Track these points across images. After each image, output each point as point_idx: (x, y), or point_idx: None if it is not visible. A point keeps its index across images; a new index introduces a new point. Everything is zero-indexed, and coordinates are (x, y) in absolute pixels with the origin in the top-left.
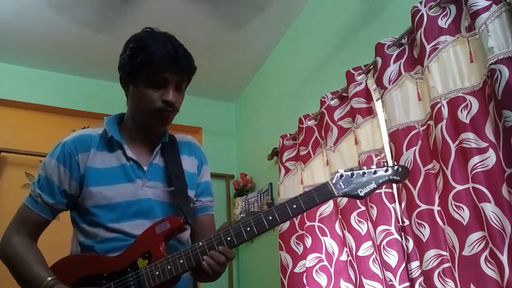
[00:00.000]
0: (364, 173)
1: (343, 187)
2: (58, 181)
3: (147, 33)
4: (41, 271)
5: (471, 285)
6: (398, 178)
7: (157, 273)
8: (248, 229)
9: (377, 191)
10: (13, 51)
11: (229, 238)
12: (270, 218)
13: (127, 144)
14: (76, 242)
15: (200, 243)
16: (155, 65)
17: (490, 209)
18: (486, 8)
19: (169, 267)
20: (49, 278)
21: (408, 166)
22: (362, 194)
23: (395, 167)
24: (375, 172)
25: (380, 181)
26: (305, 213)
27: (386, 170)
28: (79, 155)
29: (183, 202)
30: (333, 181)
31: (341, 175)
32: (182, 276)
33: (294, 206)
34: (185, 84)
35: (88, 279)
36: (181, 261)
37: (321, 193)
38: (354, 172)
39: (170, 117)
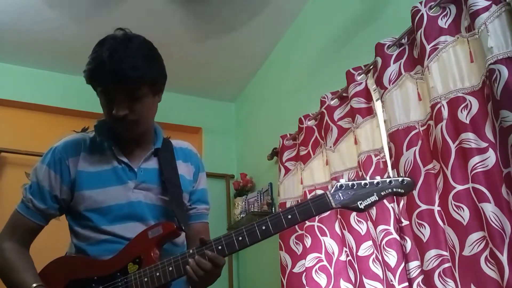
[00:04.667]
0: (365, 184)
1: (342, 198)
2: (49, 186)
3: (102, 40)
4: (28, 277)
5: (472, 285)
6: (402, 190)
7: (145, 279)
8: (240, 238)
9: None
10: (13, 51)
11: (220, 247)
12: (263, 228)
13: (118, 147)
14: (71, 244)
15: (191, 251)
16: (96, 81)
17: (489, 209)
18: (486, 8)
19: (157, 274)
20: (35, 285)
21: (408, 166)
22: (361, 206)
23: (400, 179)
24: (377, 184)
25: (382, 193)
26: None
27: (390, 182)
28: (69, 159)
29: (177, 208)
30: (332, 192)
31: (341, 186)
32: (178, 280)
33: (289, 216)
34: (141, 91)
35: (78, 282)
36: (170, 268)
37: (318, 204)
38: (355, 182)
39: (130, 128)
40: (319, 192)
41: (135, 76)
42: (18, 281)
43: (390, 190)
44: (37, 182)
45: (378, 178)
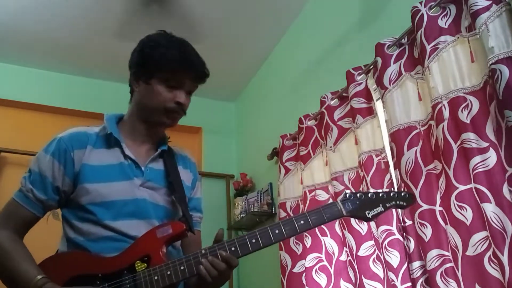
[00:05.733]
0: (372, 195)
1: (351, 207)
2: (52, 177)
3: (167, 35)
4: (30, 269)
5: (476, 285)
6: (405, 204)
7: (155, 278)
8: (254, 241)
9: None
10: (13, 51)
11: (233, 248)
12: (277, 231)
13: (126, 143)
14: (64, 240)
15: (203, 251)
16: (177, 66)
17: (490, 209)
18: (486, 8)
19: (168, 272)
20: (39, 277)
21: (409, 166)
22: (369, 216)
23: (402, 193)
24: (382, 196)
25: (387, 205)
26: None
27: (394, 195)
28: (74, 151)
29: (185, 209)
30: (342, 201)
31: (350, 196)
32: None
33: (302, 222)
34: (195, 89)
35: (81, 278)
36: (182, 267)
37: (329, 212)
38: (363, 193)
39: (177, 119)
40: (319, 192)
41: (206, 75)
42: (19, 271)
43: (394, 203)
44: (39, 172)
45: (382, 191)
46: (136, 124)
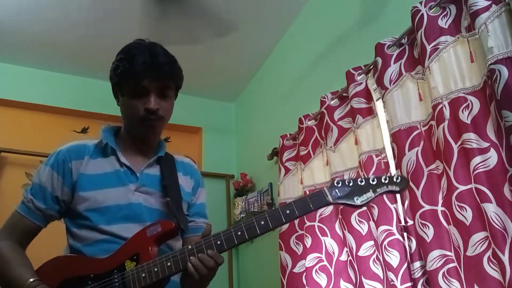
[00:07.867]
0: (362, 181)
1: (339, 194)
2: (51, 187)
3: (133, 43)
4: (25, 272)
5: (475, 285)
6: (397, 188)
7: (143, 275)
8: (239, 233)
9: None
10: (13, 51)
11: (219, 242)
12: (262, 223)
13: (122, 151)
14: (66, 246)
15: (189, 246)
16: (133, 74)
17: (491, 209)
18: (486, 8)
19: (155, 269)
20: (31, 279)
21: (411, 167)
22: (358, 202)
23: (395, 177)
24: (373, 181)
25: (378, 190)
26: None
27: (385, 180)
28: (72, 162)
29: (177, 209)
30: (329, 188)
31: (338, 182)
32: (171, 280)
33: (288, 211)
34: (171, 91)
35: (74, 279)
36: (169, 263)
37: (315, 200)
38: (352, 180)
39: (156, 125)
40: None
41: (174, 74)
42: (14, 276)
43: (385, 188)
44: (39, 183)
45: (373, 176)
46: (128, 136)
